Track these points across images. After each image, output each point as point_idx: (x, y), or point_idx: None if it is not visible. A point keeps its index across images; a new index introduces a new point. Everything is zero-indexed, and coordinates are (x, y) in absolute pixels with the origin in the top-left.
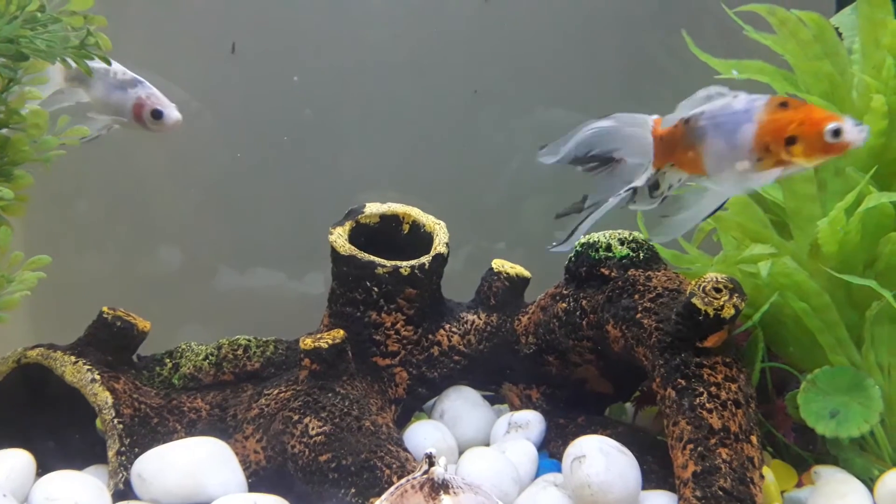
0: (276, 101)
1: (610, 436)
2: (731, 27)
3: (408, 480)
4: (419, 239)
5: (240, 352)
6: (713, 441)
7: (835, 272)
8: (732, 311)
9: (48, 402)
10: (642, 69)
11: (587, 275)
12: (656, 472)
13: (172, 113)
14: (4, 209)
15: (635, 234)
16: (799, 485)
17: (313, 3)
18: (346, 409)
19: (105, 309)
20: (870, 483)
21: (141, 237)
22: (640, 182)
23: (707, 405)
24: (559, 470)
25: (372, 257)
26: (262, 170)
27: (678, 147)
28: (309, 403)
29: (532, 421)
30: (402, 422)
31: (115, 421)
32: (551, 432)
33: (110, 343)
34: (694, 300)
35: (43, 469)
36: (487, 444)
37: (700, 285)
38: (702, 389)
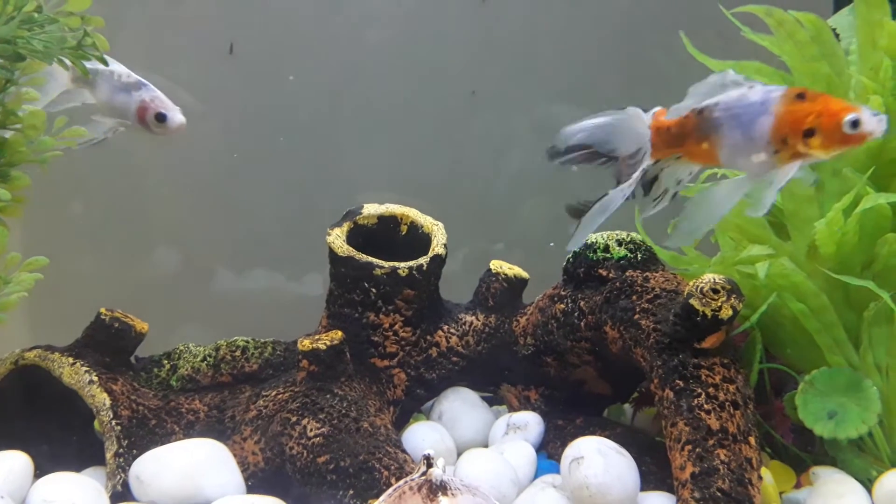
0: (274, 102)
1: (608, 437)
2: (728, 28)
3: (406, 482)
4: (417, 240)
5: (238, 353)
6: (711, 442)
7: (832, 273)
8: (730, 312)
9: (46, 404)
10: (640, 70)
11: (585, 276)
12: (655, 473)
13: (176, 116)
14: (1, 210)
15: (633, 235)
16: (797, 486)
17: (312, 3)
18: (344, 411)
19: (103, 310)
20: (868, 484)
21: (139, 238)
22: (637, 174)
23: (705, 406)
24: (558, 471)
25: (370, 258)
26: (261, 170)
27: (690, 138)
28: (307, 405)
29: (530, 422)
30: (401, 423)
31: (113, 422)
32: (550, 433)
33: (108, 344)
34: (692, 301)
35: (41, 471)
36: (486, 446)
37: (698, 286)
38: (700, 390)
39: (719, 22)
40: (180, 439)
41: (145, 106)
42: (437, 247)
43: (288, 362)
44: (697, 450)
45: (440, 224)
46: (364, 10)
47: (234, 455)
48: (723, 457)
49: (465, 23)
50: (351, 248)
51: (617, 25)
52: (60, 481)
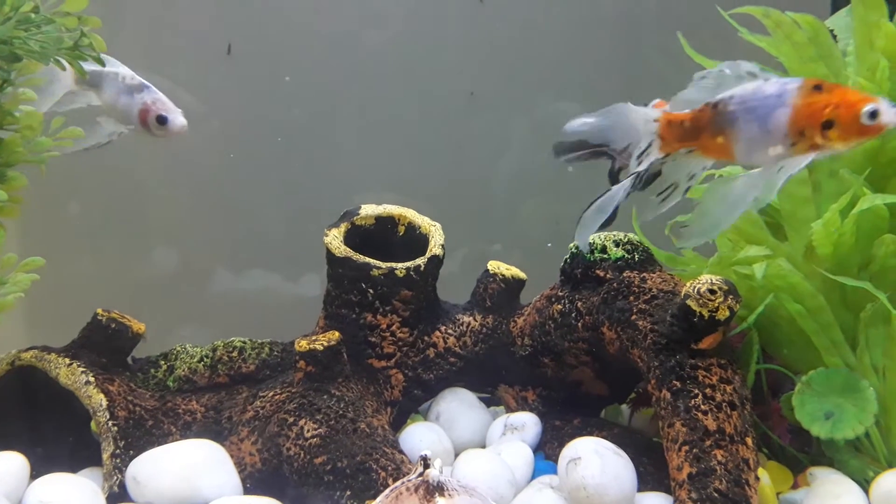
0: (273, 103)
1: (606, 437)
2: (726, 29)
3: (403, 483)
4: (415, 241)
5: (235, 354)
6: (708, 443)
7: (829, 274)
8: (727, 313)
9: (42, 405)
10: (638, 71)
11: (582, 276)
12: (652, 473)
13: (177, 119)
14: None
15: (630, 235)
16: (794, 486)
17: (310, 4)
18: (341, 412)
19: (99, 311)
20: (865, 484)
21: (136, 239)
22: (642, 167)
23: (702, 407)
24: (555, 472)
25: (367, 259)
26: (259, 171)
27: (705, 132)
28: (304, 405)
29: (528, 423)
30: (398, 424)
31: (110, 423)
32: (547, 434)
33: (105, 345)
34: (689, 302)
35: (37, 472)
36: (483, 447)
37: (695, 287)
38: (697, 391)
39: (717, 23)
40: (177, 440)
41: (147, 108)
42: (435, 247)
43: (285, 363)
44: (694, 450)
45: (438, 225)
46: (363, 10)
47: (231, 456)
48: (720, 457)
49: (463, 23)
50: (348, 249)
51: (616, 26)
52: (57, 482)
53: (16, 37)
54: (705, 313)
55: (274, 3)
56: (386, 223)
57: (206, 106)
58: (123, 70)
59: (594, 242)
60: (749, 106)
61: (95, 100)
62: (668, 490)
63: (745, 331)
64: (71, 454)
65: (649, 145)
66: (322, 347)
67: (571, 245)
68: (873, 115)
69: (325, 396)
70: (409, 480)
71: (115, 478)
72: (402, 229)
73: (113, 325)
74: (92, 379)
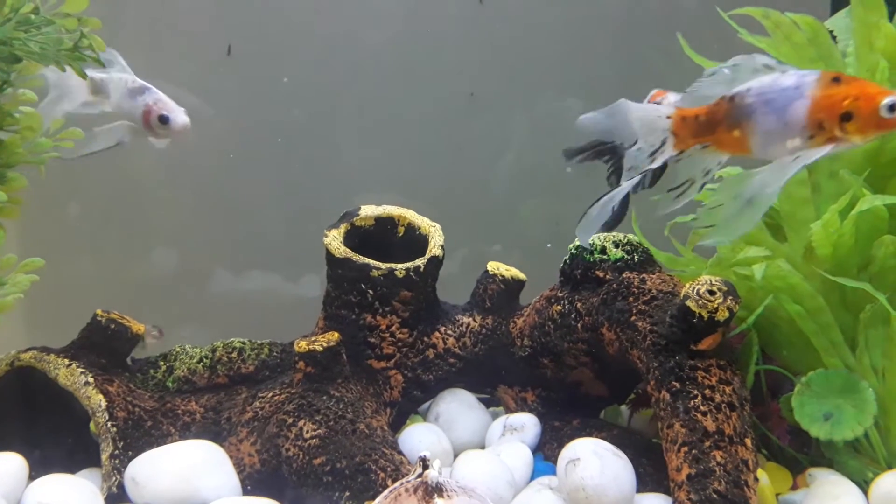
0: (273, 103)
1: (605, 438)
2: (725, 30)
3: (402, 484)
4: (414, 241)
5: (234, 354)
6: (708, 444)
7: (829, 275)
8: (727, 314)
9: (41, 406)
10: (638, 71)
11: (582, 277)
12: (651, 474)
13: (179, 118)
14: None
15: (630, 236)
16: (793, 487)
17: (310, 4)
18: (340, 412)
19: (99, 312)
20: (864, 485)
21: (135, 240)
22: (656, 164)
23: (701, 408)
24: (554, 473)
25: (367, 260)
26: (259, 172)
27: (720, 126)
28: (303, 406)
29: (527, 424)
30: (398, 425)
31: (109, 424)
32: (546, 435)
33: (104, 346)
34: (688, 303)
35: (35, 473)
36: (483, 447)
37: (694, 288)
38: (696, 392)
39: (717, 23)
40: (176, 441)
41: (149, 109)
42: (435, 248)
43: (284, 364)
44: (694, 451)
45: (437, 225)
46: (363, 10)
47: (231, 457)
48: (719, 458)
49: (463, 24)
50: (348, 250)
51: (616, 27)
52: (55, 483)
53: (16, 38)
54: (704, 314)
55: (274, 3)
56: (385, 224)
57: (212, 108)
58: (126, 74)
59: (594, 243)
60: (767, 98)
61: (108, 108)
62: (667, 491)
63: (745, 332)
64: (70, 455)
65: (663, 143)
66: (321, 348)
67: (571, 246)
68: (892, 108)
69: (324, 397)
70: (408, 481)
71: (114, 478)
72: (401, 230)
73: (112, 326)
74: (91, 380)
